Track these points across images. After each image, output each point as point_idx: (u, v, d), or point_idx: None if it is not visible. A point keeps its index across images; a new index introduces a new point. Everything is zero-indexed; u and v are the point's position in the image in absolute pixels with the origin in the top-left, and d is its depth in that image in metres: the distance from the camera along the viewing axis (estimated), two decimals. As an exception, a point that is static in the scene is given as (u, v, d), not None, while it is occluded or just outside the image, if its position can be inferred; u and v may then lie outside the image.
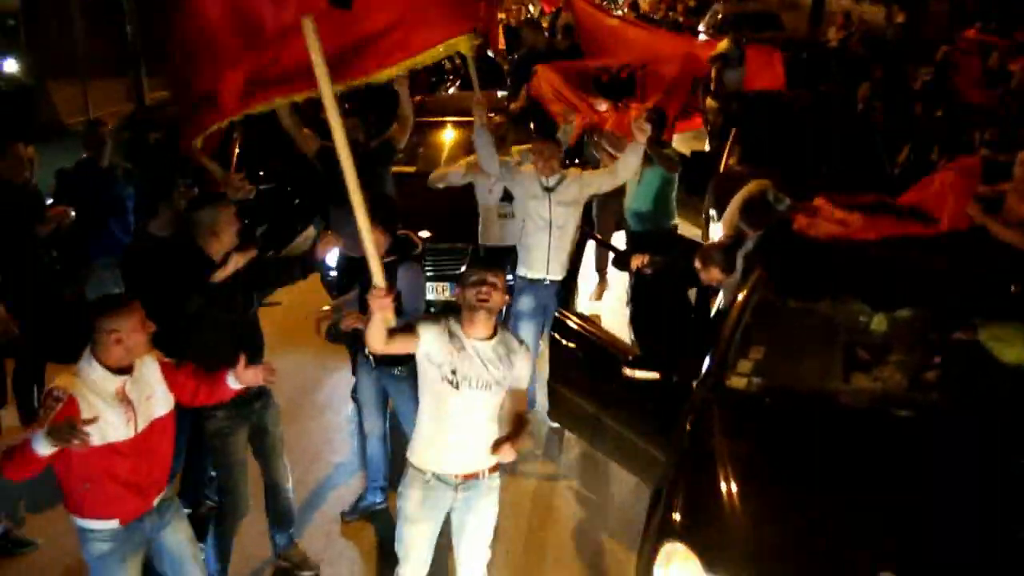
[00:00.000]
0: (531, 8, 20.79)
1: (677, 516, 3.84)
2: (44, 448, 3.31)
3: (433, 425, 3.91)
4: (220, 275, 4.41)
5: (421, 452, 3.97)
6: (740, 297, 4.87)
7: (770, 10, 23.71)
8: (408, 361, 5.05)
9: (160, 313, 3.80)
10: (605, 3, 20.44)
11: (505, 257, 6.35)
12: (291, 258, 5.57)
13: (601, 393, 5.22)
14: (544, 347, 6.11)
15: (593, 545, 5.27)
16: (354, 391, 6.07)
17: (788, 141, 8.62)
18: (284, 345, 7.01)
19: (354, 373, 5.80)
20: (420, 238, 5.26)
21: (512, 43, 18.00)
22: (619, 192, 7.09)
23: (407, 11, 4.85)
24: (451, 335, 3.83)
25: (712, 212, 8.25)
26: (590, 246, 7.81)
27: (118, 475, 3.64)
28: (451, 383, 3.79)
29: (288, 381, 6.51)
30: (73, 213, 6.19)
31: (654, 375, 4.78)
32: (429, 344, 3.81)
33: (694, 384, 4.66)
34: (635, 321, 6.48)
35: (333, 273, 6.82)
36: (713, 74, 11.06)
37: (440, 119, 9.20)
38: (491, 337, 3.87)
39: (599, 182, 6.22)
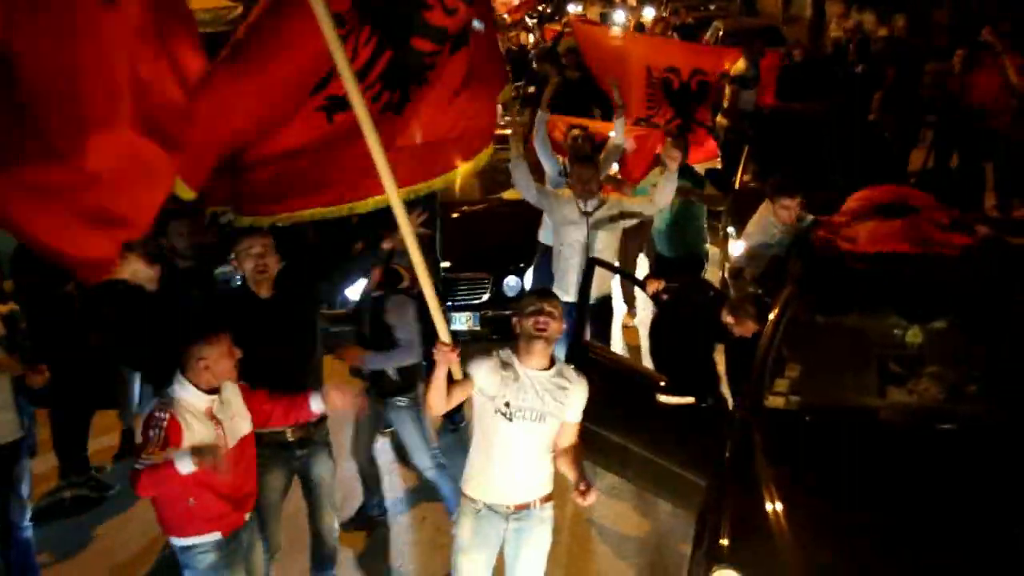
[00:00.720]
0: (531, 35, 20.85)
1: (725, 541, 3.80)
2: (187, 467, 3.60)
3: (485, 456, 3.91)
4: None
5: (474, 482, 3.97)
6: (772, 316, 4.86)
7: (771, 24, 23.83)
8: (411, 390, 5.20)
9: None
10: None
11: None
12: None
13: (630, 422, 5.16)
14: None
15: (636, 573, 5.23)
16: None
17: (803, 156, 8.62)
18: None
19: None
20: (406, 272, 5.22)
21: (515, 70, 18.12)
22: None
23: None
24: (504, 365, 3.84)
25: (731, 230, 8.25)
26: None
27: (218, 489, 3.89)
28: (504, 415, 3.79)
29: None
30: None
31: (689, 400, 4.75)
32: (482, 380, 3.83)
33: (731, 406, 4.66)
34: (654, 347, 6.38)
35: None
36: (727, 94, 11.04)
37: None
38: (548, 368, 3.86)
39: (639, 208, 6.22)
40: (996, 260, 4.86)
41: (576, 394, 3.89)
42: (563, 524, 5.51)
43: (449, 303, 7.43)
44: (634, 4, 36.44)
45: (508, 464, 3.86)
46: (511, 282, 7.88)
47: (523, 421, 3.80)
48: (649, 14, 23.52)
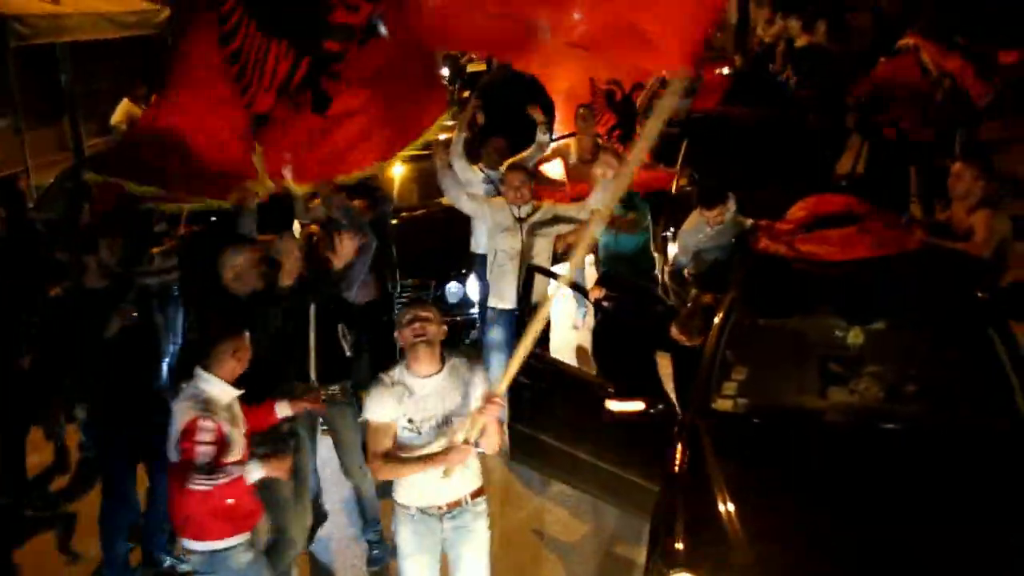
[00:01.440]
0: None
1: (680, 544, 3.83)
2: (258, 474, 3.94)
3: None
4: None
5: (402, 489, 4.02)
6: (716, 320, 4.92)
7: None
8: (347, 378, 5.21)
9: None
10: None
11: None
12: None
13: (577, 429, 5.17)
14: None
15: (586, 576, 5.25)
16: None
17: (735, 159, 8.75)
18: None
19: None
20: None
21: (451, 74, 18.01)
22: None
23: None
24: (395, 384, 3.92)
25: (668, 234, 8.34)
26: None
27: (250, 488, 4.06)
28: (411, 430, 3.89)
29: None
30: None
31: (638, 405, 4.78)
32: (378, 412, 3.91)
33: (678, 410, 4.70)
34: (598, 353, 6.40)
35: None
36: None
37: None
38: (439, 371, 3.94)
39: (572, 213, 6.19)
40: (931, 261, 5.01)
41: (478, 386, 3.96)
42: (511, 534, 5.51)
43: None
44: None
45: (430, 470, 3.90)
46: (453, 288, 7.84)
47: (431, 429, 3.89)
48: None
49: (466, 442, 3.83)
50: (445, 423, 3.89)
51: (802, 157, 9.26)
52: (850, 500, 3.92)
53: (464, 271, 7.76)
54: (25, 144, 10.68)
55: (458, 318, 7.58)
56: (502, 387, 3.93)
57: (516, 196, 6.01)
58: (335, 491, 5.96)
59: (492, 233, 6.14)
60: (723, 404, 4.57)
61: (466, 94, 16.00)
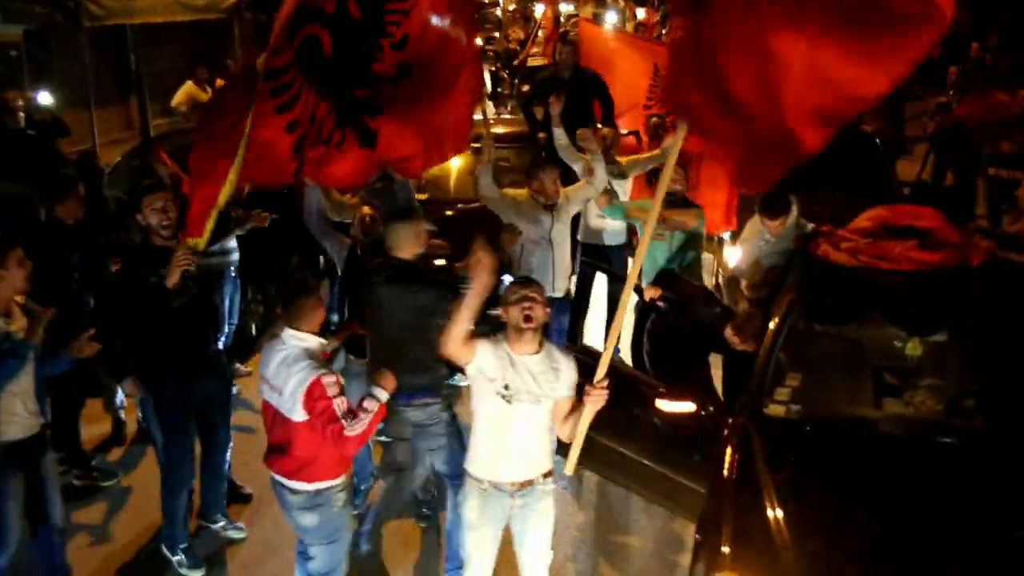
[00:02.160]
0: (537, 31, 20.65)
1: (726, 548, 3.80)
2: (384, 394, 4.21)
3: (488, 437, 4.12)
4: None
5: (478, 463, 4.19)
6: (772, 324, 4.87)
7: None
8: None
9: None
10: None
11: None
12: None
13: (628, 428, 5.16)
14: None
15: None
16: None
17: (801, 166, 8.62)
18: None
19: None
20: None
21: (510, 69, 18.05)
22: None
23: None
24: (500, 348, 4.05)
25: (725, 236, 8.27)
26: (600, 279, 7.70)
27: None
28: (504, 397, 4.01)
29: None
30: None
31: (689, 407, 4.75)
32: (484, 359, 4.02)
33: (729, 414, 4.66)
34: (653, 354, 6.38)
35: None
36: None
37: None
38: (538, 351, 4.06)
39: (583, 195, 6.54)
40: (998, 274, 4.90)
41: (566, 373, 4.11)
42: (558, 529, 5.50)
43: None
44: (623, 4, 36.55)
45: (510, 444, 4.08)
46: (506, 280, 7.85)
47: (521, 404, 4.01)
48: (640, 14, 23.52)
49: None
50: (536, 402, 4.03)
51: (861, 162, 9.13)
52: (901, 513, 3.86)
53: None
54: (94, 122, 10.90)
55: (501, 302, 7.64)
56: (600, 374, 4.02)
57: (549, 189, 6.24)
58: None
59: (524, 226, 6.20)
60: (775, 409, 4.52)
61: (525, 87, 16.06)
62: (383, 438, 5.66)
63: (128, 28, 12.87)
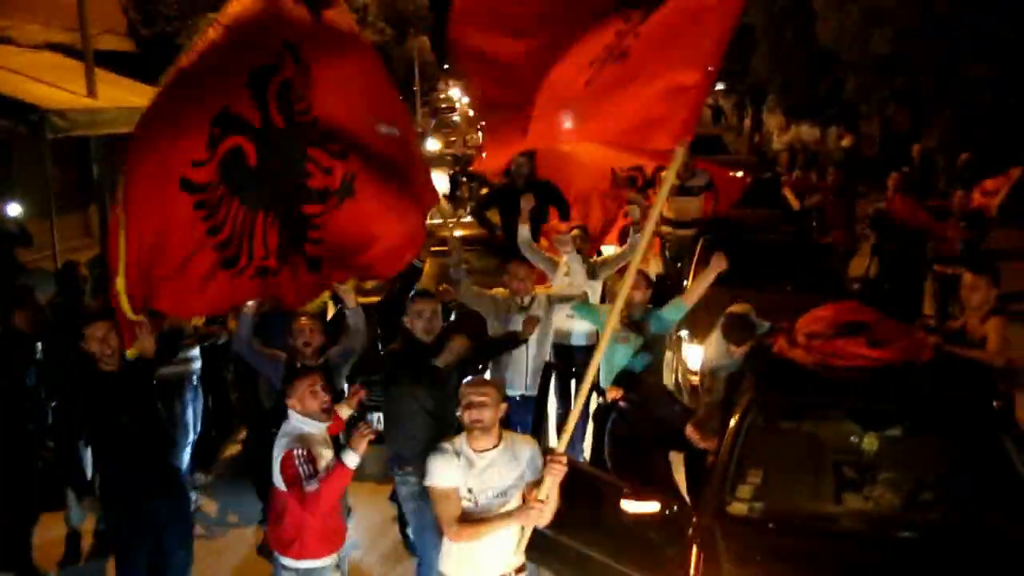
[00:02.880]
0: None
1: (695, 651, 3.81)
2: (353, 458, 4.33)
3: (459, 545, 4.14)
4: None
5: (452, 563, 4.21)
6: (732, 422, 4.96)
7: (710, 133, 24.73)
8: None
9: None
10: None
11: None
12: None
13: (591, 528, 5.16)
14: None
15: None
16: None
17: (752, 263, 8.89)
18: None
19: None
20: None
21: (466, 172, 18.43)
22: None
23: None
24: (457, 455, 4.10)
25: (683, 334, 8.41)
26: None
27: (338, 507, 4.63)
28: (468, 500, 4.07)
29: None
30: None
31: (655, 506, 4.78)
32: (446, 477, 4.08)
33: (695, 512, 4.69)
34: (615, 453, 6.40)
35: None
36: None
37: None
38: (495, 446, 4.13)
39: (564, 293, 6.78)
40: (946, 369, 5.06)
41: (528, 459, 4.18)
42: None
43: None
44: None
45: (481, 542, 4.08)
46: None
47: (488, 501, 4.07)
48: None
49: (538, 501, 4.02)
50: (501, 495, 4.08)
51: (814, 261, 9.43)
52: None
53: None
54: (54, 230, 10.92)
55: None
56: (562, 445, 4.11)
57: (520, 287, 6.40)
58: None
59: (501, 324, 6.37)
60: (738, 508, 4.56)
61: (484, 190, 16.37)
62: None
63: (91, 139, 13.03)
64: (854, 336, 5.14)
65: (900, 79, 17.59)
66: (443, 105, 44.42)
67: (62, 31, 14.34)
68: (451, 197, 18.04)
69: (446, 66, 59.81)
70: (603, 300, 7.89)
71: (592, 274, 7.60)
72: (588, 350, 7.52)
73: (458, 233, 10.63)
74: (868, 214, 11.31)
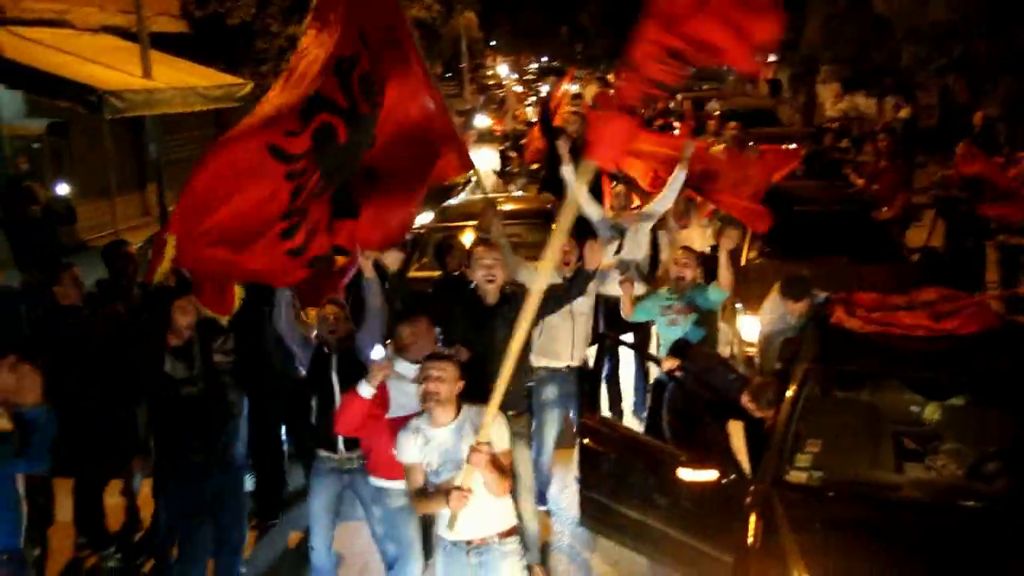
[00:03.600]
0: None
1: (754, 617, 3.81)
2: (366, 391, 4.59)
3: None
4: None
5: (440, 522, 4.29)
6: (790, 392, 4.93)
7: (764, 104, 24.30)
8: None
9: None
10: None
11: None
12: None
13: (648, 496, 5.19)
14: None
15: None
16: None
17: (806, 234, 8.78)
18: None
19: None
20: None
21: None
22: None
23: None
24: (416, 432, 4.25)
25: (739, 305, 8.36)
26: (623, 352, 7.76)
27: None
28: (433, 472, 4.21)
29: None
30: None
31: (712, 474, 4.78)
32: (407, 453, 4.25)
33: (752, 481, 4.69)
34: (673, 423, 6.41)
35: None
36: None
37: (459, 224, 9.33)
38: (452, 421, 4.21)
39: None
40: (1010, 337, 4.97)
41: (494, 430, 4.12)
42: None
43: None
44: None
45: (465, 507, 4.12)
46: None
47: (449, 473, 4.16)
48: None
49: (460, 489, 4.03)
50: (458, 468, 4.13)
51: (869, 229, 9.27)
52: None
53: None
54: (115, 209, 11.18)
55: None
56: (483, 433, 4.07)
57: (564, 258, 6.24)
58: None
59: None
60: (797, 476, 4.55)
61: (535, 166, 16.34)
62: None
63: (147, 119, 13.27)
64: (916, 309, 5.09)
65: (958, 47, 17.13)
66: (491, 82, 44.28)
67: (118, 14, 14.57)
68: (501, 173, 18.03)
69: (492, 43, 59.85)
70: (655, 252, 7.82)
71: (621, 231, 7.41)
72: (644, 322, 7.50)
73: (508, 207, 10.69)
74: (933, 181, 11.02)
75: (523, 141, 18.83)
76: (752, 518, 4.37)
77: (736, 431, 5.69)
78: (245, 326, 5.74)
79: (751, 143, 10.44)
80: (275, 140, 4.48)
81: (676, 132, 10.28)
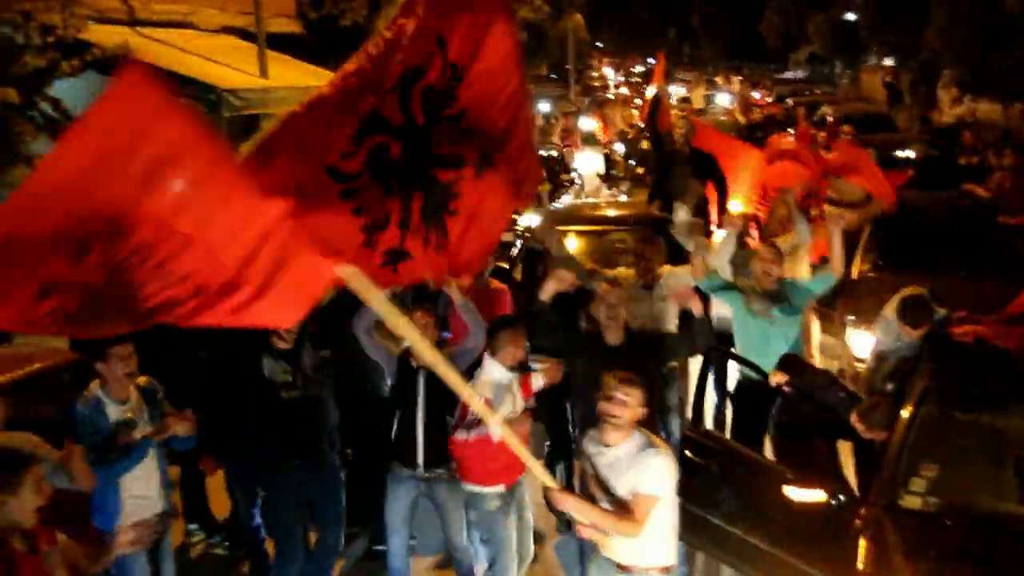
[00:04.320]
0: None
1: (863, 645, 3.67)
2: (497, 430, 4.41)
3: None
4: None
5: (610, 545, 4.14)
6: (905, 412, 4.73)
7: (878, 110, 23.52)
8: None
9: None
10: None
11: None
12: None
13: (752, 514, 5.05)
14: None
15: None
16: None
17: (927, 245, 8.45)
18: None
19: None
20: None
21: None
22: None
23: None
24: (590, 441, 4.18)
25: (849, 318, 8.09)
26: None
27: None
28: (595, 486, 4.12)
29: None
30: None
31: (819, 494, 4.63)
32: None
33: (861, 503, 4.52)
34: (779, 439, 6.23)
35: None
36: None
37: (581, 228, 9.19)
38: (624, 442, 4.04)
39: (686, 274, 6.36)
40: None
41: (643, 471, 3.99)
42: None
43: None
44: (738, 88, 36.71)
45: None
46: None
47: (603, 495, 4.06)
48: (756, 95, 23.66)
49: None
50: (606, 491, 4.05)
51: (993, 245, 8.84)
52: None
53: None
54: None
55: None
56: (548, 481, 4.02)
57: (647, 267, 6.29)
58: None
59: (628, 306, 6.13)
60: (911, 501, 4.36)
61: (640, 170, 16.20)
62: None
63: (261, 116, 13.65)
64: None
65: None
66: (596, 84, 44.11)
67: (238, 15, 15.05)
68: (605, 177, 17.95)
69: (599, 44, 59.58)
70: None
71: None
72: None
73: (610, 212, 10.58)
74: None
75: (630, 137, 18.57)
76: (862, 543, 4.22)
77: (846, 451, 5.53)
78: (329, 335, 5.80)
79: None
80: (331, 161, 4.47)
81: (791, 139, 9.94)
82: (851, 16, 32.21)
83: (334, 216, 4.45)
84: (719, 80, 41.35)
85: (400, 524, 5.33)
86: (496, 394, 4.86)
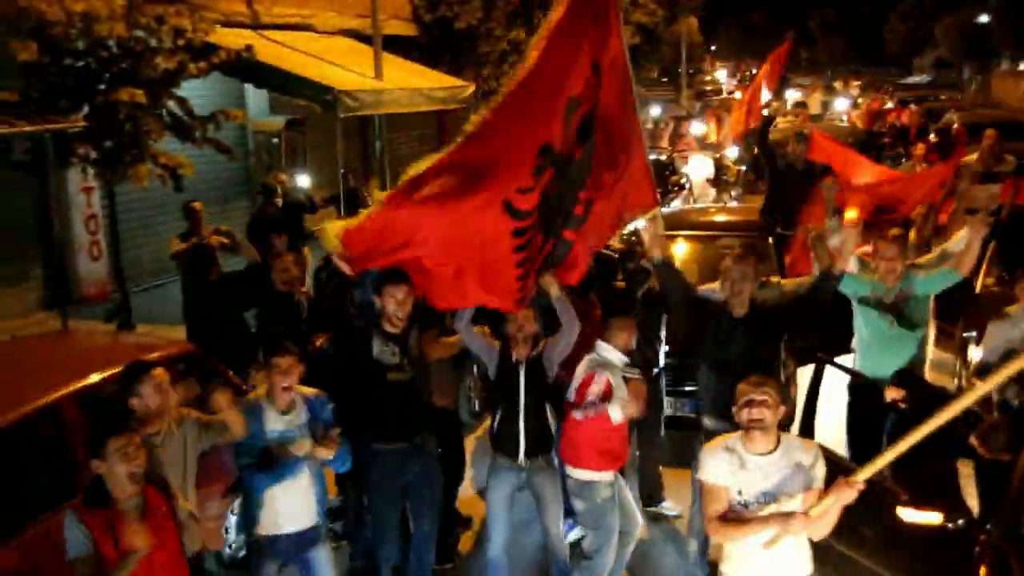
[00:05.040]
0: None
1: None
2: (619, 414, 5.11)
3: (741, 547, 3.88)
4: None
5: (730, 567, 3.96)
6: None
7: (1012, 116, 22.33)
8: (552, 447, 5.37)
9: None
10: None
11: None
12: None
13: (863, 535, 4.86)
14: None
15: None
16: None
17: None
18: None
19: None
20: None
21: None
22: None
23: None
24: (730, 451, 3.86)
25: (970, 334, 7.73)
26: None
27: (622, 434, 5.40)
28: (739, 503, 3.81)
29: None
30: None
31: (935, 517, 4.43)
32: (716, 474, 3.86)
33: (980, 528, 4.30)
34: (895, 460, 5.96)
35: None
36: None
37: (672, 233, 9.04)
38: (773, 450, 3.83)
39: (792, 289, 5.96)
40: None
41: (808, 463, 3.81)
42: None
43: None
44: (856, 92, 35.60)
45: (763, 551, 3.79)
46: None
47: (758, 506, 3.79)
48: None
49: (804, 515, 3.70)
50: (771, 501, 3.78)
51: None
52: None
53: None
54: (341, 202, 11.78)
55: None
56: (864, 474, 3.72)
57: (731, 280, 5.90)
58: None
59: None
60: (1036, 531, 4.13)
61: (751, 176, 15.87)
62: None
63: (375, 117, 13.93)
64: None
65: None
66: (708, 88, 43.44)
67: (354, 18, 15.39)
68: (715, 182, 17.64)
69: (713, 47, 58.70)
70: None
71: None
72: None
73: (720, 218, 10.40)
74: None
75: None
76: (982, 571, 4.01)
77: (965, 472, 5.27)
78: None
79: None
80: (508, 196, 4.43)
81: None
82: (983, 18, 30.83)
83: (496, 246, 4.54)
84: (837, 85, 40.16)
85: (502, 515, 5.36)
86: (615, 378, 5.15)
